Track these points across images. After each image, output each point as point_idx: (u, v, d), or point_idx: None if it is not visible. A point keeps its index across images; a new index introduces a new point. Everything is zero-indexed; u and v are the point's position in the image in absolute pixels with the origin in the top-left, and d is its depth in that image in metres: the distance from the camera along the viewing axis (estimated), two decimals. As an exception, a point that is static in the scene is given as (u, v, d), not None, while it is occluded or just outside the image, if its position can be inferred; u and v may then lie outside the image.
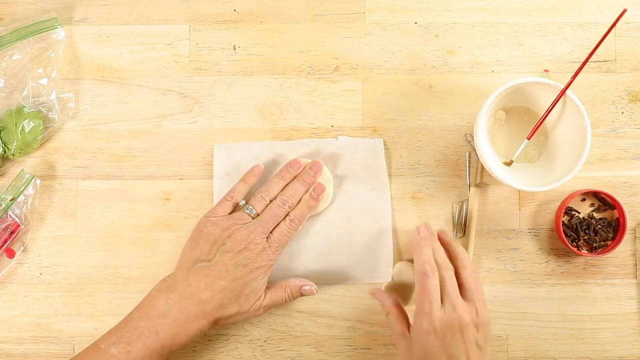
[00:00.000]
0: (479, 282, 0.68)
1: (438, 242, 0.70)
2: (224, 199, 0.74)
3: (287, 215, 0.73)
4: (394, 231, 0.78)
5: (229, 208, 0.74)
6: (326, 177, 0.77)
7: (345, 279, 0.78)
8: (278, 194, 0.74)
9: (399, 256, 0.78)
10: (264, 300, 0.72)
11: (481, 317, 0.66)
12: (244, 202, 0.74)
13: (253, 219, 0.72)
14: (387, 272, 0.77)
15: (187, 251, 0.73)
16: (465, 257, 0.70)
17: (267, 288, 0.73)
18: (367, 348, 0.78)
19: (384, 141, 0.79)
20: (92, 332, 0.78)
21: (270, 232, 0.72)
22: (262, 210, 0.73)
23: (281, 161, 0.78)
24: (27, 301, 0.78)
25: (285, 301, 0.74)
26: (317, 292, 0.75)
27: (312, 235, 0.77)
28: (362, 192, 0.78)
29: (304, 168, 0.75)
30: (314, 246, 0.77)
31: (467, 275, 0.68)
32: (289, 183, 0.75)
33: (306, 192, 0.74)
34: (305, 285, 0.74)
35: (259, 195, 0.73)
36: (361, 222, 0.78)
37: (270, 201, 0.73)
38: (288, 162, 0.76)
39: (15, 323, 0.78)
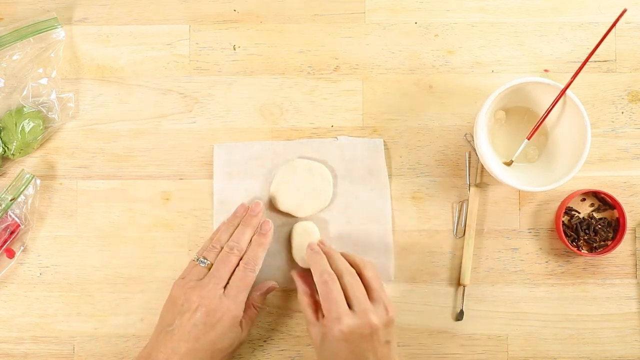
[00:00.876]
0: (380, 279, 0.71)
1: (336, 252, 0.72)
2: (193, 259, 0.73)
3: (240, 260, 0.71)
4: (394, 231, 0.78)
5: (193, 265, 0.72)
6: (325, 177, 0.77)
7: None
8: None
9: (398, 256, 0.78)
10: (242, 333, 0.71)
11: (390, 315, 0.68)
12: (195, 256, 0.72)
13: (208, 269, 0.71)
14: (388, 272, 0.77)
15: (161, 315, 0.71)
16: (361, 260, 0.71)
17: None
18: (367, 348, 0.78)
19: (384, 141, 0.79)
20: (92, 332, 0.78)
21: (227, 282, 0.70)
22: (215, 259, 0.71)
23: (281, 161, 0.78)
24: (27, 301, 0.78)
25: (258, 313, 0.75)
26: (278, 286, 0.76)
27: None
28: (362, 192, 0.78)
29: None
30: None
31: (370, 276, 0.70)
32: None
33: (253, 232, 0.73)
34: (263, 289, 0.75)
35: (210, 245, 0.72)
36: (361, 222, 0.78)
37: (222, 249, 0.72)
38: (236, 209, 0.75)
39: (15, 323, 0.78)
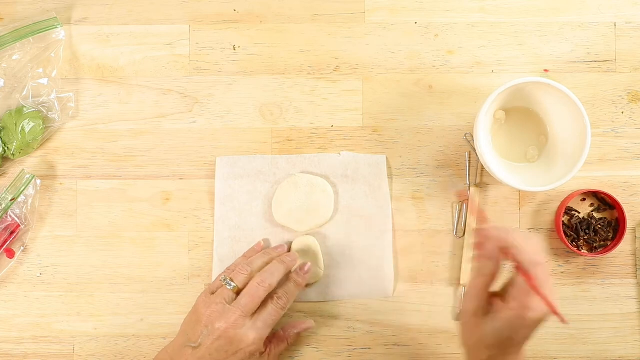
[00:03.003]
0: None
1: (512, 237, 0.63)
2: (222, 272, 0.73)
3: (274, 294, 0.71)
4: (394, 231, 0.78)
5: (221, 283, 0.72)
6: (327, 192, 0.77)
7: (346, 295, 0.78)
8: (259, 270, 0.72)
9: (398, 256, 0.78)
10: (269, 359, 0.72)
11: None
12: (224, 276, 0.71)
13: (235, 293, 0.70)
14: (388, 289, 0.77)
15: (184, 325, 0.71)
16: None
17: (269, 343, 0.72)
18: (367, 348, 0.78)
19: (387, 158, 0.79)
20: (92, 332, 0.78)
21: (256, 312, 0.70)
22: (244, 285, 0.71)
23: (283, 176, 0.78)
24: (27, 301, 0.78)
25: (289, 348, 0.75)
26: (314, 325, 0.76)
27: None
28: (363, 209, 0.78)
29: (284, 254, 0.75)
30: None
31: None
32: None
33: (286, 272, 0.72)
34: (301, 328, 0.75)
35: (241, 268, 0.72)
36: (362, 238, 0.78)
37: (252, 275, 0.71)
38: (275, 246, 0.76)
39: (15, 323, 0.78)
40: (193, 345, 0.68)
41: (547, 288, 0.60)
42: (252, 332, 0.69)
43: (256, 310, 0.70)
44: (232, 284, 0.70)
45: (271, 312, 0.70)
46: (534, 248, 0.62)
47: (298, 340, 0.77)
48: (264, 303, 0.70)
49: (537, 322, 0.61)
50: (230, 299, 0.70)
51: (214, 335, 0.68)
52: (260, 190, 0.78)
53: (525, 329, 0.62)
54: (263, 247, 0.76)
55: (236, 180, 0.78)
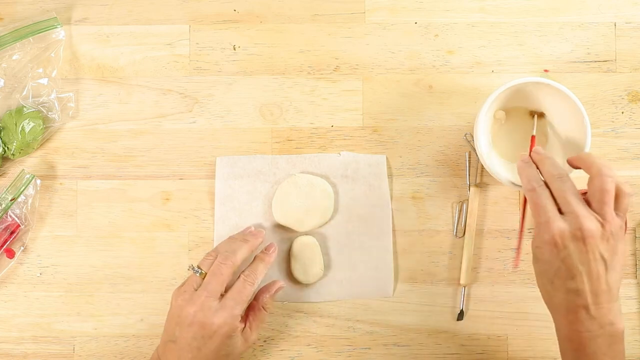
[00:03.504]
0: (611, 193, 0.62)
1: (549, 157, 0.66)
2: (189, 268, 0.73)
3: (241, 273, 0.71)
4: (394, 231, 0.78)
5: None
6: (327, 192, 0.77)
7: (346, 295, 0.78)
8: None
9: (398, 256, 0.78)
10: (251, 336, 0.71)
11: (609, 229, 0.61)
12: (191, 264, 0.71)
13: (202, 279, 0.70)
14: (388, 289, 0.77)
15: (165, 323, 0.71)
16: (599, 165, 0.63)
17: (246, 318, 0.72)
18: (367, 348, 0.78)
19: (387, 157, 0.79)
20: (92, 332, 0.78)
21: (224, 293, 0.69)
22: (209, 268, 0.70)
23: (283, 176, 0.78)
24: (27, 301, 0.78)
25: (268, 314, 0.74)
26: (284, 285, 0.75)
27: None
28: (362, 209, 0.78)
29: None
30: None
31: (598, 184, 0.62)
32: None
33: (251, 250, 0.73)
34: (272, 290, 0.74)
35: (207, 255, 0.72)
36: (361, 238, 0.78)
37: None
38: (245, 229, 0.76)
39: (15, 323, 0.78)
40: (172, 339, 0.68)
41: (540, 214, 0.63)
42: (222, 312, 0.68)
43: (225, 291, 0.69)
44: (199, 270, 0.70)
45: (240, 288, 0.69)
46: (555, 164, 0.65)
47: (273, 302, 0.76)
48: (231, 283, 0.70)
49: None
50: (198, 286, 0.69)
51: (186, 323, 0.67)
52: (260, 190, 0.78)
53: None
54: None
55: (236, 180, 0.78)
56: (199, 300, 0.68)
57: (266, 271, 0.73)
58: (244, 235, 0.74)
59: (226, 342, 0.68)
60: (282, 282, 0.75)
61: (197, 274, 0.70)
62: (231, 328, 0.68)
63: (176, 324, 0.68)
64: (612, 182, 0.63)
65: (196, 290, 0.69)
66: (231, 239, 0.74)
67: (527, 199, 0.66)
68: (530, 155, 0.68)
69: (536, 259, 0.64)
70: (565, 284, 0.61)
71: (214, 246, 0.77)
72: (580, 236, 0.60)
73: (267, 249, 0.74)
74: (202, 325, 0.67)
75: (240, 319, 0.69)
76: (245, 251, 0.72)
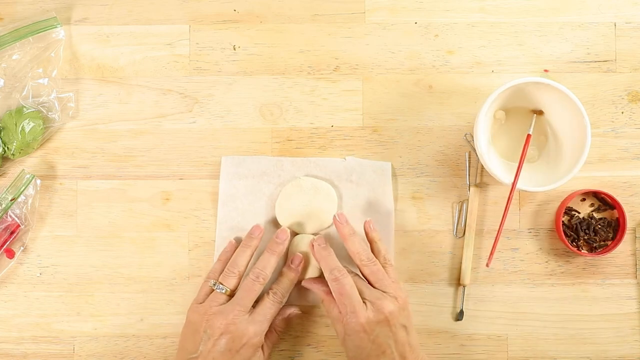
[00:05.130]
0: (390, 265, 0.73)
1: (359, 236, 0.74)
2: (205, 281, 0.73)
3: (269, 289, 0.72)
4: (394, 232, 0.78)
5: (209, 289, 0.72)
6: (331, 196, 0.77)
7: None
8: (247, 266, 0.73)
9: (398, 256, 0.78)
10: (265, 355, 0.72)
11: (401, 301, 0.69)
12: (212, 281, 0.72)
13: (228, 296, 0.71)
14: None
15: (181, 342, 0.71)
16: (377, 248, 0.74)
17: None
18: (367, 348, 0.78)
19: (392, 165, 0.79)
20: (92, 332, 0.78)
21: (253, 307, 0.70)
22: (235, 286, 0.71)
23: (287, 178, 0.78)
24: (27, 301, 0.78)
25: (279, 337, 0.76)
26: (299, 312, 0.76)
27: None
28: (365, 214, 0.78)
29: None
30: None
31: (367, 271, 0.71)
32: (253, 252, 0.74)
33: (278, 262, 0.73)
34: (285, 314, 0.75)
35: (228, 270, 0.72)
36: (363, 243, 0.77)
37: (240, 274, 0.72)
38: (250, 230, 0.75)
39: (15, 323, 0.78)
40: (193, 356, 0.68)
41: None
42: (253, 326, 0.69)
43: (252, 306, 0.70)
44: (224, 287, 0.71)
45: (268, 306, 0.71)
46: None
47: (286, 328, 0.76)
48: (259, 298, 0.71)
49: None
50: (224, 302, 0.70)
51: (215, 336, 0.67)
52: (264, 191, 0.78)
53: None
54: (235, 245, 0.75)
55: (240, 180, 0.78)
56: (232, 314, 0.68)
57: (292, 287, 0.74)
58: (270, 247, 0.74)
59: (250, 358, 0.69)
60: (297, 309, 0.76)
61: (221, 291, 0.70)
62: (259, 341, 0.69)
63: (200, 339, 0.68)
64: (368, 254, 0.73)
65: (223, 305, 0.69)
66: (245, 246, 0.73)
67: (330, 288, 0.70)
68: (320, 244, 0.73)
69: (347, 347, 0.69)
70: (378, 359, 0.67)
71: (215, 246, 0.77)
72: (384, 319, 0.68)
73: (293, 263, 0.74)
74: (233, 337, 0.68)
75: (264, 333, 0.70)
76: (274, 263, 0.73)
